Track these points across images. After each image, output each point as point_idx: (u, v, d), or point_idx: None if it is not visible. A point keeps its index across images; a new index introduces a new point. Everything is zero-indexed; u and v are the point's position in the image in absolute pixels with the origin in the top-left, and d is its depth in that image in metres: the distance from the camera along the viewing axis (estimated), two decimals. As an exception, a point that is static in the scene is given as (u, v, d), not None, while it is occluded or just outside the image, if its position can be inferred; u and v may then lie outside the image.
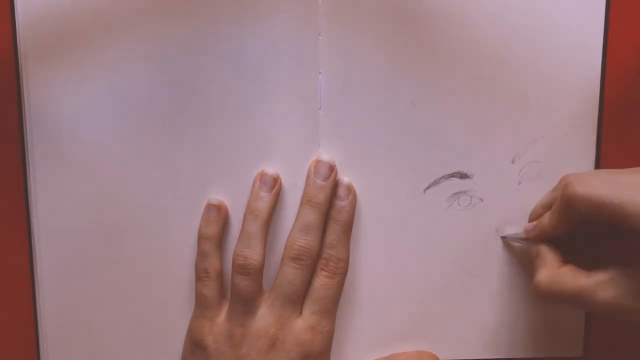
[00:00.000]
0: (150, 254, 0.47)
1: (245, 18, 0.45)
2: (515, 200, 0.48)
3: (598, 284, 0.40)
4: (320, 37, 0.45)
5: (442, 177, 0.47)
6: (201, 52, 0.45)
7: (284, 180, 0.46)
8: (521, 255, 0.48)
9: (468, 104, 0.47)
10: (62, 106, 0.45)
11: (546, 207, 0.46)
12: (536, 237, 0.45)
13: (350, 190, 0.46)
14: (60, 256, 0.47)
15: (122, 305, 0.47)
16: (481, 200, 0.48)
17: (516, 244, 0.48)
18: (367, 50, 0.46)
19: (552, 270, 0.43)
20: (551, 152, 0.48)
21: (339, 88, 0.46)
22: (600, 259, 0.42)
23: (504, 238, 0.48)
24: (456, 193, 0.48)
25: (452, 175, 0.47)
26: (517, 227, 0.47)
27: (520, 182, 0.48)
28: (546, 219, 0.44)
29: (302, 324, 0.45)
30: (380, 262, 0.48)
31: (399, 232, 0.48)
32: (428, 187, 0.47)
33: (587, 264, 0.42)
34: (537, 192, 0.48)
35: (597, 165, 0.48)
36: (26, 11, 0.44)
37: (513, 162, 0.48)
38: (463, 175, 0.47)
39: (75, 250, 0.47)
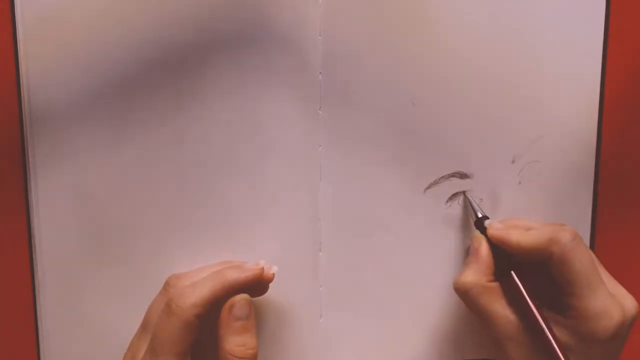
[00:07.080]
0: (150, 253, 0.47)
1: (245, 18, 0.45)
2: (515, 200, 0.48)
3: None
4: (320, 38, 0.45)
5: (442, 177, 0.47)
6: (201, 52, 0.45)
7: (284, 180, 0.46)
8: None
9: (468, 104, 0.47)
10: (62, 106, 0.45)
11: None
12: (496, 239, 0.45)
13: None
14: (60, 255, 0.47)
15: (123, 305, 0.47)
16: (481, 200, 0.48)
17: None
18: (367, 50, 0.46)
19: (479, 277, 0.44)
20: (551, 152, 0.48)
21: (339, 88, 0.46)
22: None
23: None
24: (456, 193, 0.48)
25: (452, 175, 0.48)
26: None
27: (520, 182, 0.48)
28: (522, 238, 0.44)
29: None
30: (380, 262, 0.48)
31: (399, 232, 0.48)
32: (428, 187, 0.47)
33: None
34: (537, 192, 0.48)
35: (597, 165, 0.48)
36: (26, 11, 0.44)
37: (513, 162, 0.48)
38: (463, 175, 0.48)
39: (76, 249, 0.47)
